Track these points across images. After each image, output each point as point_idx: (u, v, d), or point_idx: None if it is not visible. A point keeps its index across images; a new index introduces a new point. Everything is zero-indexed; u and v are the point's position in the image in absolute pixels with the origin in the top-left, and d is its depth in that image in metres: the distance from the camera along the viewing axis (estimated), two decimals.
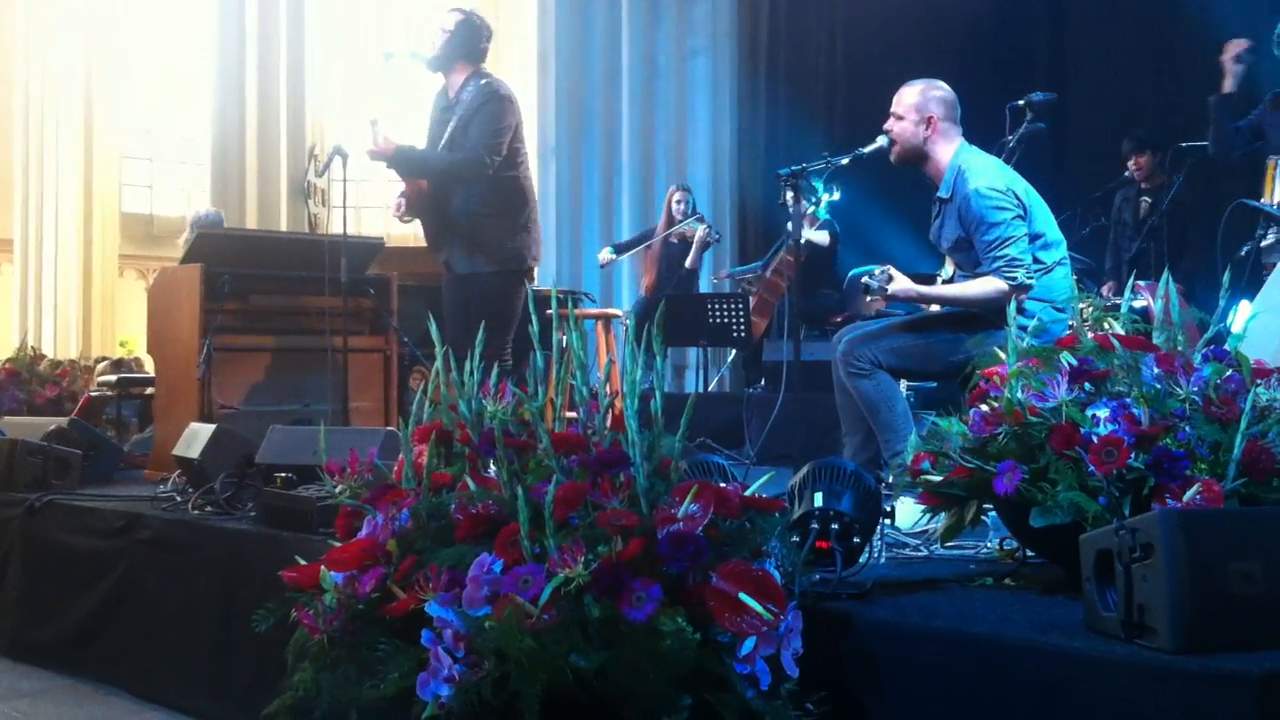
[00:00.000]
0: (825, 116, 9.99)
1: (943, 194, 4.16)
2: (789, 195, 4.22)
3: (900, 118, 4.20)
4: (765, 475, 2.45)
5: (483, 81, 5.32)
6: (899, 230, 8.00)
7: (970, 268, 4.16)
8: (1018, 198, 4.03)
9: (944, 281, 4.55)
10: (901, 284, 4.10)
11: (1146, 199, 7.24)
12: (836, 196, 7.78)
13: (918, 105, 4.17)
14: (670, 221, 9.00)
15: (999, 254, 3.97)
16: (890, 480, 3.07)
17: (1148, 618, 1.97)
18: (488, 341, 2.76)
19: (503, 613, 2.00)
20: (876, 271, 4.11)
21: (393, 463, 2.61)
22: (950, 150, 4.17)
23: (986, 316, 3.89)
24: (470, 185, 5.22)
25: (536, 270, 5.58)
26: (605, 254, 9.29)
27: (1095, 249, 7.50)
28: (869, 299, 4.15)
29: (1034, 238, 4.04)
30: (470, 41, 5.38)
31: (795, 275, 4.85)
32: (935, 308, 4.33)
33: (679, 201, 9.02)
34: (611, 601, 2.00)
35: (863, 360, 4.08)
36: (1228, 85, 6.11)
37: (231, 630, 3.54)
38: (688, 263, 8.94)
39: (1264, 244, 5.45)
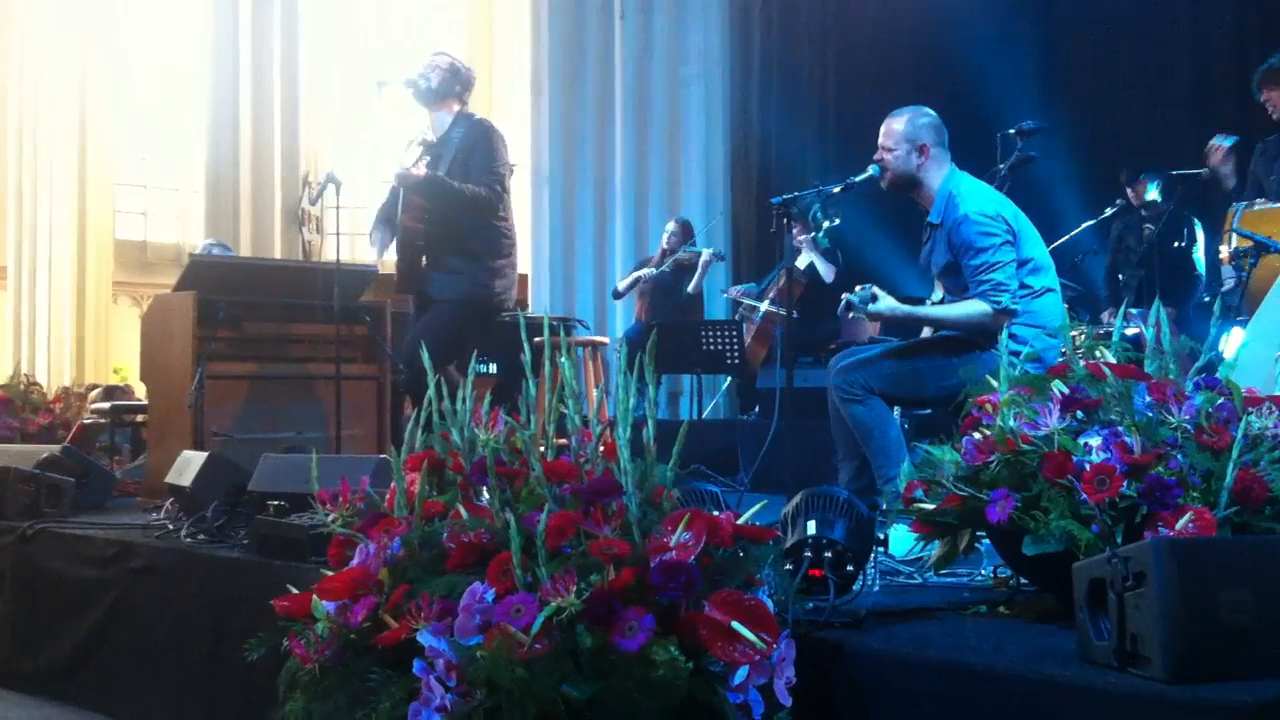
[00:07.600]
0: (818, 144, 10.01)
1: (933, 219, 4.18)
2: (783, 223, 4.25)
3: (890, 150, 4.19)
4: (758, 503, 2.45)
5: (476, 118, 5.38)
6: (894, 255, 8.02)
7: (959, 292, 4.18)
8: (1007, 223, 4.06)
9: (933, 305, 4.57)
10: (886, 303, 4.14)
11: (1149, 225, 7.18)
12: (837, 222, 7.81)
13: (908, 135, 4.17)
14: (664, 253, 9.10)
15: (985, 278, 4.00)
16: (884, 507, 3.08)
17: (1141, 647, 1.97)
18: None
19: (494, 642, 2.00)
20: (858, 289, 4.15)
21: (385, 491, 2.60)
22: (941, 175, 4.19)
23: (974, 340, 3.95)
24: (467, 223, 5.23)
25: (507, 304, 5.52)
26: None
27: (1090, 276, 7.51)
28: (852, 316, 4.19)
29: (1022, 263, 4.06)
30: (461, 82, 5.47)
31: (791, 302, 4.85)
32: (926, 333, 4.34)
33: (672, 235, 9.15)
34: (603, 631, 1.99)
35: (855, 386, 4.09)
36: (1229, 185, 6.08)
37: (223, 659, 3.52)
38: (690, 287, 8.97)
39: (1224, 290, 5.45)
